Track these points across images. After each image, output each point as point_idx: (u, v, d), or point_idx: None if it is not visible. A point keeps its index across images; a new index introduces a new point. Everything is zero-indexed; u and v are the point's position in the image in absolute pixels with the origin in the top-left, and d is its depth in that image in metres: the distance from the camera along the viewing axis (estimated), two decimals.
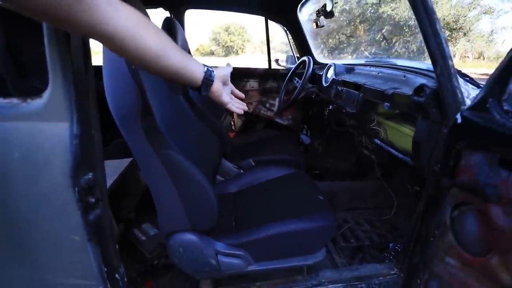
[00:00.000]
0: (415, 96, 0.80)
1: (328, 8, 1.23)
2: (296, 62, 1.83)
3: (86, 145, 0.54)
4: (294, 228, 0.86)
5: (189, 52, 1.49)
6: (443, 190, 0.69)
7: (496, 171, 0.54)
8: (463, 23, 19.27)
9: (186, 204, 0.75)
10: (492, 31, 21.88)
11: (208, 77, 0.57)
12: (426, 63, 1.12)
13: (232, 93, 0.68)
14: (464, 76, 0.87)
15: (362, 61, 1.48)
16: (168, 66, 0.50)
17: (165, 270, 0.99)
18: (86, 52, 0.53)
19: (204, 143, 1.13)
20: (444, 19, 19.99)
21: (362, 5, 22.71)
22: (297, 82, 1.64)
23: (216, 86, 0.60)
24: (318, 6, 1.49)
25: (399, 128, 1.06)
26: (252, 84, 1.80)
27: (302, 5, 1.56)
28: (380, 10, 21.24)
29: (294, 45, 1.79)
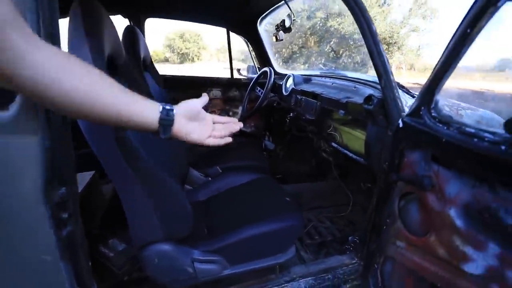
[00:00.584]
0: (365, 104, 0.92)
1: (287, 25, 1.34)
2: (257, 72, 1.92)
3: (58, 159, 0.52)
4: (264, 230, 0.91)
5: (150, 61, 1.47)
6: (391, 184, 0.81)
7: (429, 165, 0.66)
8: (396, 39, 21.93)
9: (162, 214, 0.75)
10: (419, 46, 25.32)
11: (165, 118, 0.48)
12: (371, 76, 1.29)
13: (215, 121, 0.60)
14: (401, 87, 1.03)
15: (317, 72, 1.62)
16: (107, 111, 0.42)
17: (136, 285, 0.95)
18: None
19: (172, 151, 1.13)
20: (381, 34, 22.49)
21: (312, 19, 24.36)
22: (259, 91, 1.72)
23: (179, 126, 0.51)
24: (278, 19, 1.61)
25: (352, 132, 1.19)
26: (215, 93, 1.83)
27: (262, 18, 1.66)
28: (328, 24, 23.05)
29: (254, 56, 1.88)
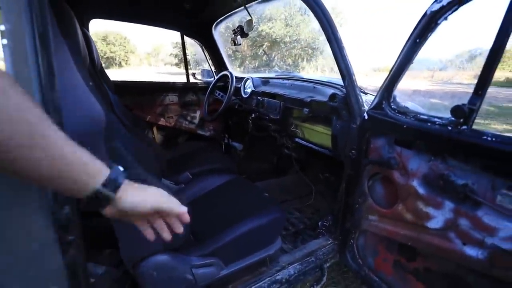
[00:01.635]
0: (330, 102, 1.05)
1: (246, 30, 1.40)
2: (213, 76, 1.93)
3: None
4: (252, 226, 0.95)
5: (101, 66, 1.34)
6: (361, 168, 0.95)
7: (393, 148, 0.81)
8: (318, 45, 24.33)
9: None
10: None
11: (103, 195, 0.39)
12: (325, 77, 1.45)
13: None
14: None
15: (273, 75, 1.73)
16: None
17: None
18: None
19: (145, 162, 1.07)
20: (306, 40, 24.60)
21: (242, 23, 25.01)
22: (219, 94, 1.74)
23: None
24: (232, 24, 1.66)
25: (313, 128, 1.33)
26: (172, 98, 1.77)
27: (217, 23, 1.68)
28: (260, 29, 24.06)
29: (210, 59, 1.89)
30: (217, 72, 1.89)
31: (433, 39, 0.67)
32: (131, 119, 1.49)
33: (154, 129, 1.82)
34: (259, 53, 27.94)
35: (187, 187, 1.27)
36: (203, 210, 1.09)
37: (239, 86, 1.72)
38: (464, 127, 0.62)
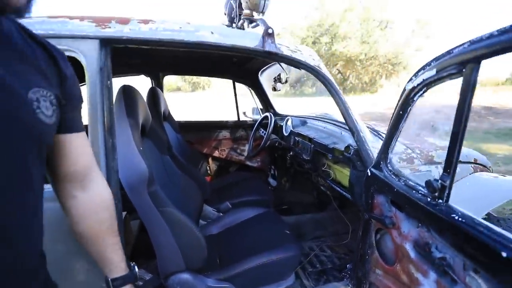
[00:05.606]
0: (345, 152, 1.12)
1: (283, 79, 1.60)
2: (259, 113, 2.17)
3: None
4: (267, 260, 1.08)
5: (168, 112, 1.74)
6: (368, 220, 0.98)
7: (390, 207, 0.84)
8: (401, 59, 22.30)
9: (182, 249, 0.95)
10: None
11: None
12: None
13: None
14: (374, 131, 1.23)
15: (311, 115, 1.85)
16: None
17: None
18: None
19: (188, 193, 1.34)
20: (385, 56, 22.96)
21: (316, 44, 25.25)
22: (262, 132, 1.96)
23: None
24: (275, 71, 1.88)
25: (343, 171, 1.38)
26: (225, 133, 2.08)
27: (262, 71, 1.94)
28: (333, 48, 23.82)
29: (258, 100, 2.15)
30: (264, 110, 2.12)
31: (414, 112, 0.71)
32: (189, 153, 1.84)
33: (210, 160, 2.15)
34: (333, 72, 27.45)
35: (225, 215, 1.49)
36: (231, 239, 1.29)
37: (282, 124, 1.89)
38: (440, 201, 0.64)
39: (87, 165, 0.55)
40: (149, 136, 1.19)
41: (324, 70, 0.99)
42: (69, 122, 0.50)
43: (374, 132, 1.23)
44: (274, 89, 1.73)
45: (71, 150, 0.52)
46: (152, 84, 1.78)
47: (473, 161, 1.34)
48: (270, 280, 1.10)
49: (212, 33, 0.85)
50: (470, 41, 0.51)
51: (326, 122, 1.59)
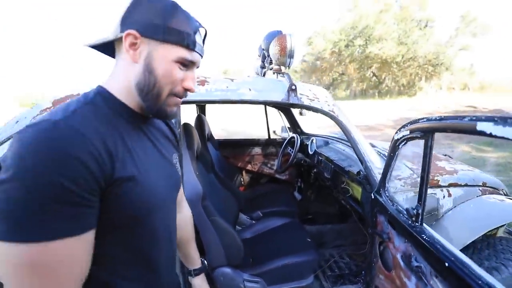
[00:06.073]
0: (356, 176, 1.35)
1: (304, 113, 1.86)
2: (287, 132, 2.44)
3: None
4: (290, 261, 1.35)
5: (211, 134, 2.09)
6: (373, 235, 1.20)
7: (387, 225, 1.07)
8: (443, 59, 20.89)
9: (225, 248, 1.26)
10: (472, 64, 23.62)
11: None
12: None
13: None
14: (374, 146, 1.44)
15: (333, 136, 2.07)
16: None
17: None
18: None
19: (228, 204, 1.66)
20: (425, 56, 21.67)
21: (350, 47, 24.67)
22: (290, 150, 2.22)
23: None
24: None
25: (358, 189, 1.60)
26: (257, 150, 2.38)
27: None
28: (367, 50, 23.12)
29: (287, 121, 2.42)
30: (291, 129, 2.39)
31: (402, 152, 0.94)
32: (227, 167, 2.18)
33: (243, 173, 2.47)
34: (367, 75, 26.53)
35: (257, 223, 1.79)
36: (262, 242, 1.57)
37: (307, 143, 2.15)
38: (417, 224, 0.87)
39: (181, 193, 0.86)
40: (200, 159, 1.53)
41: (337, 112, 1.24)
42: None
43: (384, 156, 1.44)
44: (301, 113, 1.99)
45: None
46: (197, 112, 2.15)
47: (481, 184, 1.47)
48: (292, 278, 1.37)
49: (249, 90, 1.16)
50: (428, 118, 0.75)
51: (345, 144, 1.82)
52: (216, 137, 2.24)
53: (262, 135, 2.57)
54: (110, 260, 0.50)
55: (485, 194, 1.45)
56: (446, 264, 0.70)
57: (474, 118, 0.56)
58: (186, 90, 0.55)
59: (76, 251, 0.41)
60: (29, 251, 0.37)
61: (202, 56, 0.57)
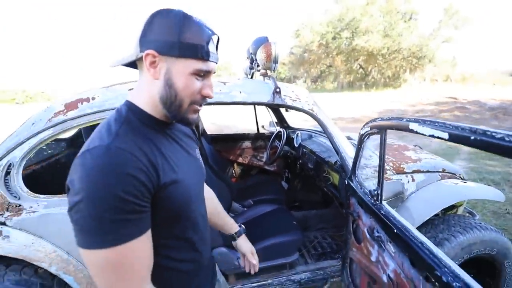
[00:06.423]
0: (334, 165, 1.55)
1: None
2: (275, 126, 2.63)
3: None
4: (278, 241, 1.56)
5: (204, 130, 2.25)
6: (347, 214, 1.42)
7: (357, 206, 1.28)
8: (426, 52, 21.46)
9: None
10: (454, 56, 24.37)
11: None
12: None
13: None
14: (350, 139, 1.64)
15: (316, 130, 2.28)
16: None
17: None
18: None
19: (222, 194, 1.84)
20: (409, 49, 22.19)
21: (337, 39, 24.88)
22: (277, 143, 2.42)
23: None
24: None
25: (337, 177, 1.81)
26: (247, 144, 2.56)
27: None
28: (354, 43, 23.43)
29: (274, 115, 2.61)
30: (279, 123, 2.58)
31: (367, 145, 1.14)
32: (219, 160, 2.35)
33: (235, 165, 2.65)
34: (354, 67, 26.91)
35: (248, 210, 1.98)
36: (253, 227, 1.77)
37: (293, 136, 2.34)
38: (377, 202, 1.08)
39: None
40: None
41: (316, 110, 1.43)
42: None
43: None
44: (287, 110, 2.17)
45: None
46: None
47: (441, 170, 1.71)
48: (280, 255, 1.57)
49: (240, 92, 1.33)
50: (383, 118, 0.94)
51: (326, 138, 2.02)
52: (207, 131, 2.40)
53: (251, 128, 2.75)
54: (165, 248, 0.61)
55: (444, 179, 1.68)
56: (395, 231, 0.91)
57: (407, 119, 0.76)
58: (205, 97, 0.61)
59: (142, 248, 0.52)
60: (106, 255, 0.47)
61: (217, 62, 0.61)
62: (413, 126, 0.73)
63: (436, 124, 0.65)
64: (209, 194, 0.96)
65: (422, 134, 0.69)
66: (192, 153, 0.73)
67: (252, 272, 1.05)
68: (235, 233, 1.03)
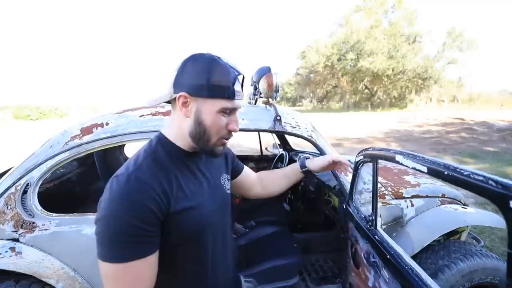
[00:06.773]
0: (333, 189, 1.60)
1: None
2: (278, 148, 2.70)
3: None
4: (279, 263, 1.58)
5: None
6: (345, 238, 1.44)
7: (354, 230, 1.31)
8: (431, 73, 21.68)
9: None
10: (459, 77, 24.51)
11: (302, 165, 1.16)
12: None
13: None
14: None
15: None
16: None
17: None
18: None
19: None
20: (414, 70, 22.47)
21: (342, 60, 25.43)
22: (280, 165, 2.48)
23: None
24: None
25: (337, 200, 1.84)
26: (250, 165, 2.63)
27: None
28: (359, 64, 23.90)
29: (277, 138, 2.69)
30: (281, 146, 2.65)
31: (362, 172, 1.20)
32: None
33: None
34: (360, 88, 27.25)
35: (250, 231, 2.01)
36: (255, 248, 1.79)
37: (296, 159, 2.40)
38: (372, 227, 1.11)
39: (247, 179, 1.05)
40: None
41: (315, 136, 1.50)
42: (239, 169, 1.01)
43: None
44: None
45: (247, 177, 1.06)
46: None
47: (440, 195, 1.73)
48: (281, 278, 1.58)
49: (243, 119, 1.42)
50: (374, 148, 1.01)
51: None
52: None
53: (254, 147, 2.83)
54: (172, 268, 0.66)
55: (444, 204, 1.70)
56: (387, 257, 0.94)
57: (394, 151, 0.82)
58: (231, 131, 0.68)
59: (145, 268, 0.57)
60: (113, 269, 0.55)
61: (242, 99, 0.68)
62: (398, 158, 0.79)
63: (417, 158, 0.71)
64: (259, 180, 1.13)
65: (406, 166, 0.75)
66: (216, 181, 0.78)
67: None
68: (301, 168, 1.17)
